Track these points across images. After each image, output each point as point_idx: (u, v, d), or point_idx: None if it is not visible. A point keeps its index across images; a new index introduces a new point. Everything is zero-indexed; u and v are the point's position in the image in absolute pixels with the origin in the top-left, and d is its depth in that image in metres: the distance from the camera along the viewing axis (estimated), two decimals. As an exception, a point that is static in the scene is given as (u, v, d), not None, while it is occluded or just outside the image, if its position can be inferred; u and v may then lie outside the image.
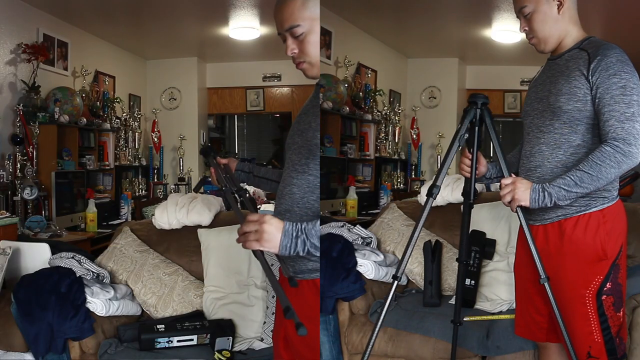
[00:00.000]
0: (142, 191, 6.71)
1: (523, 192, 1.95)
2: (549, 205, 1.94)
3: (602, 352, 2.00)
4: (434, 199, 2.07)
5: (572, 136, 1.99)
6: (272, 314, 2.93)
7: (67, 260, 2.97)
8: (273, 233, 1.64)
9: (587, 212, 1.99)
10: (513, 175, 2.03)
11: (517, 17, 2.07)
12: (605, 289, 1.99)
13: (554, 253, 2.02)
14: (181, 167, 7.32)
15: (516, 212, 2.01)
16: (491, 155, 8.42)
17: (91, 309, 2.76)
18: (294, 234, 1.65)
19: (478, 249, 3.11)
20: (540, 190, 1.94)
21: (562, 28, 2.03)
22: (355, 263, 3.15)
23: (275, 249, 1.65)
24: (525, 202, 1.96)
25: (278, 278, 2.05)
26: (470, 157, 2.12)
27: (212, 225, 3.21)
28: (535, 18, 2.02)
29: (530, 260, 2.04)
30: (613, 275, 2.00)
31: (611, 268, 1.99)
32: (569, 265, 2.00)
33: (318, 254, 1.71)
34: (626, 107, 1.88)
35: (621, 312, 2.04)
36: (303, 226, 1.66)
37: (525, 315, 2.23)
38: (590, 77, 1.93)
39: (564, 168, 2.00)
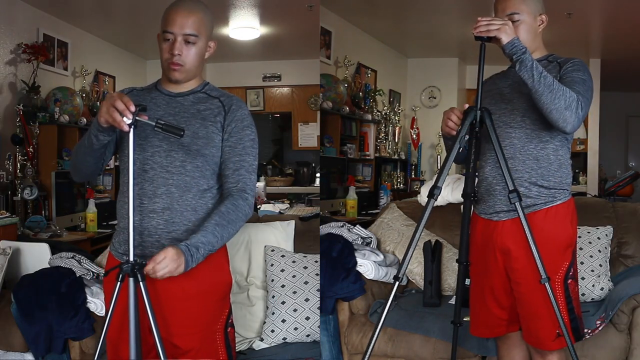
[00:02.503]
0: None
1: (510, 30, 2.02)
2: (514, 56, 2.01)
3: (568, 331, 2.14)
4: (435, 200, 2.08)
5: (543, 132, 2.16)
6: (272, 314, 2.93)
7: (67, 260, 2.97)
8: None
9: (554, 204, 2.16)
10: None
11: (500, 17, 2.18)
12: (570, 273, 2.18)
13: (522, 245, 2.09)
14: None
15: (513, 203, 2.05)
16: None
17: (91, 309, 2.76)
18: None
19: (478, 249, 3.11)
20: (522, 44, 2.01)
21: (537, 42, 2.24)
22: (355, 263, 3.15)
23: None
24: (505, 38, 2.01)
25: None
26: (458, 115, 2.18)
27: (212, 225, 3.20)
28: (522, 27, 2.19)
29: (499, 255, 2.20)
30: (574, 260, 2.20)
31: (573, 254, 2.19)
32: (542, 254, 2.06)
33: None
34: (584, 90, 2.08)
35: (579, 293, 2.27)
36: (195, 246, 1.88)
37: (482, 313, 2.32)
38: (559, 75, 2.14)
39: (535, 160, 2.16)
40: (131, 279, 1.78)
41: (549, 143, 2.17)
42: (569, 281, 2.17)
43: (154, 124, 1.81)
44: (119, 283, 1.79)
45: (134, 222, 1.83)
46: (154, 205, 1.96)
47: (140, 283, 1.77)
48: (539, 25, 2.22)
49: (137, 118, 1.79)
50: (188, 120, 2.00)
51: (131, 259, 1.79)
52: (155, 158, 1.97)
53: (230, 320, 2.10)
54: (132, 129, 1.80)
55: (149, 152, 1.98)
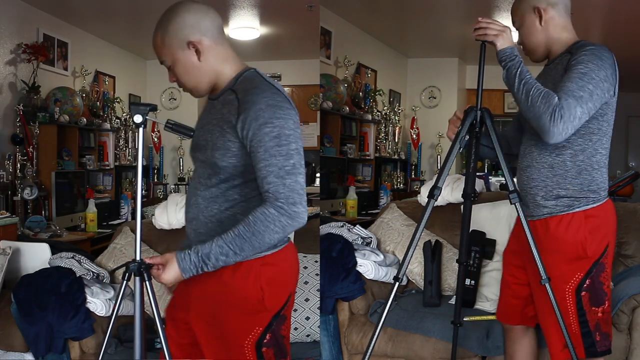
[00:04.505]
0: (142, 191, 6.70)
1: (507, 36, 2.01)
2: (502, 63, 2.01)
3: (580, 344, 2.10)
4: (435, 200, 2.08)
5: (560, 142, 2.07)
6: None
7: (67, 260, 2.97)
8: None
9: (571, 212, 2.07)
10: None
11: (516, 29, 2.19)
12: (584, 285, 2.08)
13: (539, 248, 2.08)
14: (181, 167, 7.33)
15: (513, 204, 2.07)
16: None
17: (91, 309, 2.76)
18: None
19: (478, 249, 3.11)
20: (514, 52, 2.00)
21: (548, 37, 2.13)
22: (355, 263, 3.15)
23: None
24: (500, 44, 2.00)
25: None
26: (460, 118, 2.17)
27: (212, 225, 3.21)
28: (522, 32, 2.15)
29: (518, 249, 2.22)
30: (595, 273, 2.08)
31: (593, 266, 2.08)
32: (551, 261, 2.06)
33: None
34: (578, 87, 1.94)
35: (601, 308, 2.12)
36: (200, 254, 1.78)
37: (504, 299, 2.36)
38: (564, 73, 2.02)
39: (550, 168, 2.09)
40: (137, 278, 1.78)
41: (566, 149, 2.06)
42: (582, 293, 2.08)
43: (163, 123, 1.83)
44: (124, 282, 1.79)
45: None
46: (187, 214, 1.95)
47: (146, 282, 1.77)
48: (540, 18, 2.12)
49: (146, 117, 1.81)
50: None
51: (137, 258, 1.80)
52: (199, 170, 1.92)
53: (266, 340, 1.87)
54: (141, 129, 1.82)
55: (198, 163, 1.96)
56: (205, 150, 1.83)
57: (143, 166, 7.18)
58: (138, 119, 1.79)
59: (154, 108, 1.83)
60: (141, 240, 1.82)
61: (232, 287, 1.81)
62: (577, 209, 2.06)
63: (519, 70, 1.98)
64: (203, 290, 1.86)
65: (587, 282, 2.08)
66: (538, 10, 2.12)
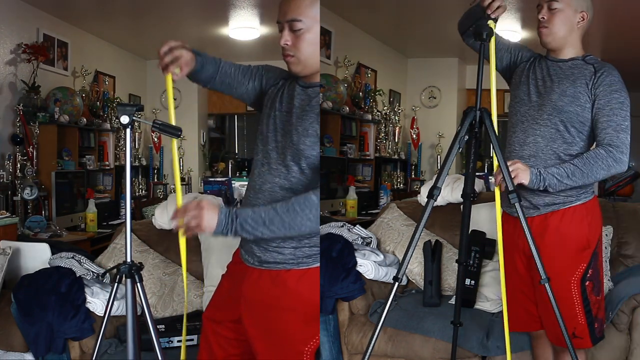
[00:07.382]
0: (142, 191, 6.71)
1: (524, 172, 2.07)
2: (540, 188, 2.09)
3: (586, 333, 2.18)
4: (435, 200, 2.08)
5: (566, 134, 2.17)
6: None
7: (67, 260, 2.97)
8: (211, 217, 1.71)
9: (572, 205, 2.16)
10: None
11: (540, 4, 2.20)
12: (587, 275, 2.18)
13: (539, 244, 2.10)
14: (181, 167, 7.33)
15: (513, 204, 2.05)
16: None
17: (91, 309, 2.76)
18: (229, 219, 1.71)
19: (478, 249, 3.11)
20: (538, 174, 2.08)
21: (572, 38, 2.22)
22: (355, 263, 3.15)
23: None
24: (525, 181, 2.07)
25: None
26: None
27: (212, 225, 3.20)
28: (559, 15, 2.18)
29: (520, 255, 2.24)
30: (594, 262, 2.19)
31: (592, 256, 2.18)
32: (556, 255, 2.11)
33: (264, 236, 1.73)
34: (622, 120, 2.11)
35: (600, 297, 2.24)
36: (235, 211, 1.72)
37: (518, 310, 2.33)
38: (593, 89, 2.14)
39: (558, 160, 2.16)
40: (128, 280, 1.79)
41: (574, 145, 2.17)
42: (587, 283, 2.17)
43: (151, 123, 1.85)
44: (116, 284, 1.80)
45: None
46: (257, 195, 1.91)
47: (137, 284, 1.78)
48: (579, 21, 2.21)
49: (133, 118, 1.82)
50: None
51: (128, 259, 1.80)
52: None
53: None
54: (128, 129, 1.83)
55: None
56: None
57: (142, 166, 7.17)
58: (125, 119, 1.81)
59: (140, 109, 1.85)
60: (131, 242, 1.82)
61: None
62: (577, 203, 2.17)
63: (556, 177, 2.08)
64: (261, 294, 1.90)
65: (590, 272, 2.17)
66: (582, 15, 2.21)
